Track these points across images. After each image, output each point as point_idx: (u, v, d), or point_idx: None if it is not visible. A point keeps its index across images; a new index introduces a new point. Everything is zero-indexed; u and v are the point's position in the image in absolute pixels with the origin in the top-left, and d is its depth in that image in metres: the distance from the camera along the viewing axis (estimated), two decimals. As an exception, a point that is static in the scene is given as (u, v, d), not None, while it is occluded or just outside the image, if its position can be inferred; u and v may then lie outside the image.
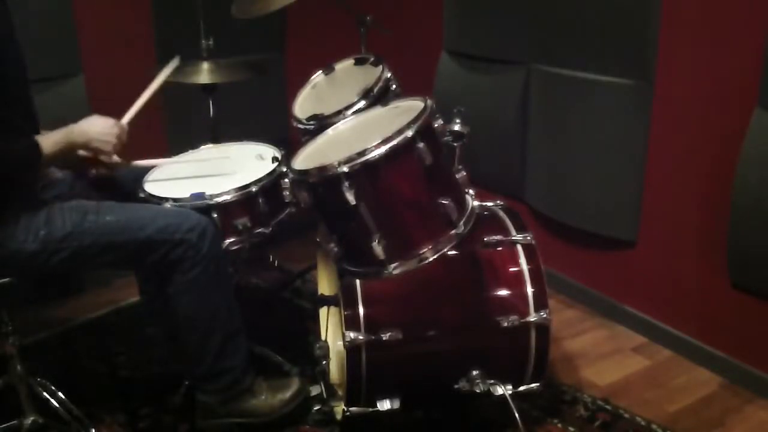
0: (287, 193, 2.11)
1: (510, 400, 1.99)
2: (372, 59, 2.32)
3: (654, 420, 2.21)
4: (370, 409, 2.01)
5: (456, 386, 2.01)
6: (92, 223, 1.90)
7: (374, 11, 2.65)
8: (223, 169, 2.25)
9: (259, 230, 2.11)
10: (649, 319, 2.64)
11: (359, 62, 2.38)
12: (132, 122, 2.03)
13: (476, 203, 1.98)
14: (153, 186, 2.14)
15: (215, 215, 2.03)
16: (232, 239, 2.08)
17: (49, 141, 1.87)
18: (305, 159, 1.97)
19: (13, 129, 1.84)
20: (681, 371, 2.47)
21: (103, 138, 1.92)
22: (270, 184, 2.11)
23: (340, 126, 2.09)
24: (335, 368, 2.20)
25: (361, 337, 1.92)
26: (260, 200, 2.09)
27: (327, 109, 2.17)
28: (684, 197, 2.42)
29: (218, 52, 2.57)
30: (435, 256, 1.83)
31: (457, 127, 2.08)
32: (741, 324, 2.34)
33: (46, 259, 1.88)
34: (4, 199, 1.86)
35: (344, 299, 1.97)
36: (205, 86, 2.57)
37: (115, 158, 1.96)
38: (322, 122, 2.14)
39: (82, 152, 1.94)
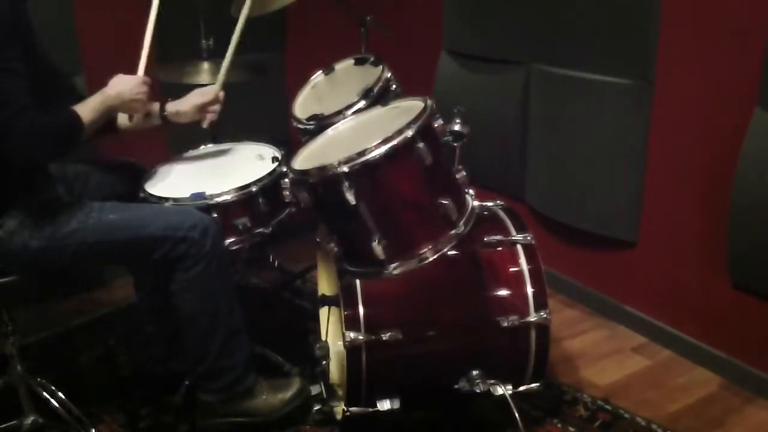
0: (287, 193, 2.11)
1: (510, 400, 1.99)
2: (372, 59, 2.32)
3: (654, 420, 2.21)
4: (370, 409, 2.01)
5: (456, 386, 2.01)
6: (96, 221, 1.91)
7: (374, 11, 2.65)
8: (224, 169, 2.25)
9: (259, 230, 2.11)
10: (649, 319, 2.64)
11: (359, 62, 2.38)
12: (146, 70, 2.09)
13: (476, 203, 1.98)
14: (153, 186, 2.14)
15: (215, 215, 2.03)
16: (232, 239, 2.08)
17: (86, 108, 1.89)
18: (305, 159, 1.97)
19: (50, 101, 1.87)
20: (681, 371, 2.47)
21: (136, 96, 1.99)
22: (270, 184, 2.11)
23: (340, 126, 2.09)
24: (335, 368, 2.20)
25: (361, 337, 1.93)
26: (260, 200, 2.09)
27: (327, 109, 2.17)
28: (684, 197, 2.42)
29: (218, 52, 2.57)
30: (435, 256, 1.83)
31: (457, 127, 2.08)
32: (741, 324, 2.33)
33: (50, 256, 1.89)
34: (10, 195, 1.87)
35: (344, 299, 1.97)
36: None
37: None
38: (322, 122, 2.14)
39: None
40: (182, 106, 2.19)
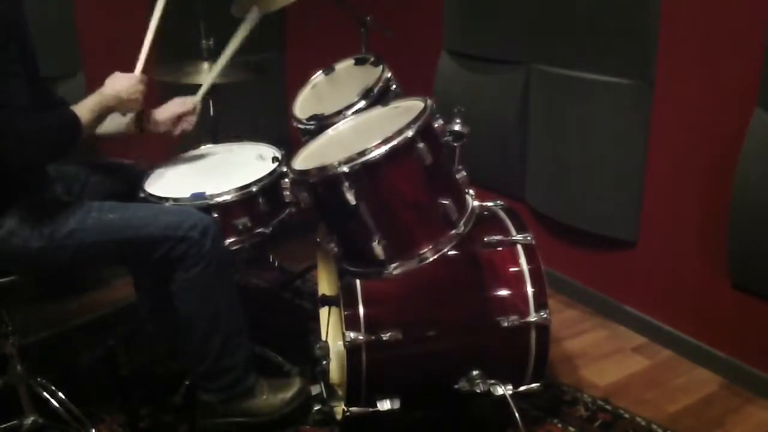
0: (287, 193, 2.11)
1: (510, 400, 1.99)
2: (372, 59, 2.32)
3: (654, 420, 2.21)
4: (370, 409, 2.01)
5: (456, 386, 2.01)
6: (95, 221, 1.91)
7: (374, 11, 2.65)
8: (224, 169, 2.25)
9: (259, 230, 2.11)
10: (649, 319, 2.64)
11: (359, 62, 2.38)
12: (144, 70, 2.08)
13: (476, 203, 1.98)
14: (153, 186, 2.14)
15: (215, 215, 2.03)
16: (232, 239, 2.08)
17: (84, 109, 1.89)
18: (305, 159, 1.97)
19: (47, 105, 1.87)
20: (681, 371, 2.47)
21: (134, 96, 1.99)
22: (270, 184, 2.11)
23: (340, 126, 2.09)
24: (335, 368, 2.20)
25: (361, 337, 1.93)
26: (260, 200, 2.09)
27: (327, 109, 2.17)
28: (684, 197, 2.42)
29: (218, 52, 2.57)
30: (435, 256, 1.83)
31: (457, 127, 2.08)
32: (741, 324, 2.34)
33: (50, 256, 1.88)
34: (9, 196, 1.87)
35: (344, 299, 1.97)
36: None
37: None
38: (322, 122, 2.14)
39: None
40: (161, 115, 2.18)
